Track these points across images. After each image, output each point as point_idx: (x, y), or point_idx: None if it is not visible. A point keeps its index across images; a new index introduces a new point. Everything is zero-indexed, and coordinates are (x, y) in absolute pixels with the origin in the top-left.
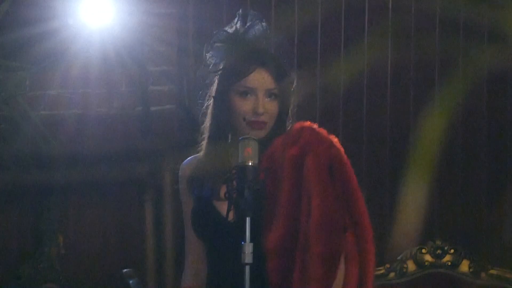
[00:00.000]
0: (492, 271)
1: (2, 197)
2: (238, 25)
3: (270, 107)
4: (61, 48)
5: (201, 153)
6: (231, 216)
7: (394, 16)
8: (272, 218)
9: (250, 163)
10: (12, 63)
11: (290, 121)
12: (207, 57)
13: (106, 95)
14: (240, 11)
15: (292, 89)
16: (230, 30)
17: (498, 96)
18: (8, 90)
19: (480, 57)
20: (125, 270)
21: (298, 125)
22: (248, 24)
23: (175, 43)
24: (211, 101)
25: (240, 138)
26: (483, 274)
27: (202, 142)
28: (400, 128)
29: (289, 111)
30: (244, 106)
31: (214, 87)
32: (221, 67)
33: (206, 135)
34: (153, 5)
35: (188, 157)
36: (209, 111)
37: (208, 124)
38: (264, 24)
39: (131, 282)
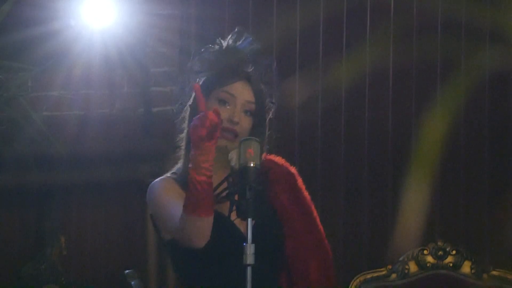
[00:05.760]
0: (494, 272)
1: (4, 198)
2: (229, 41)
3: (244, 121)
4: (63, 49)
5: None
6: (233, 216)
7: (396, 16)
8: (289, 228)
9: (252, 164)
10: (14, 64)
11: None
12: (193, 64)
13: (108, 96)
14: (236, 29)
15: (269, 107)
16: (221, 45)
17: (500, 97)
18: (10, 91)
19: (482, 58)
20: (127, 271)
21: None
22: (239, 41)
23: (177, 44)
24: (188, 111)
25: (241, 140)
26: (485, 276)
27: (180, 153)
28: (402, 129)
29: (265, 131)
30: (222, 113)
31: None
32: (206, 73)
33: (184, 146)
34: (155, 6)
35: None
36: (187, 122)
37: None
38: (250, 38)
39: (133, 283)
